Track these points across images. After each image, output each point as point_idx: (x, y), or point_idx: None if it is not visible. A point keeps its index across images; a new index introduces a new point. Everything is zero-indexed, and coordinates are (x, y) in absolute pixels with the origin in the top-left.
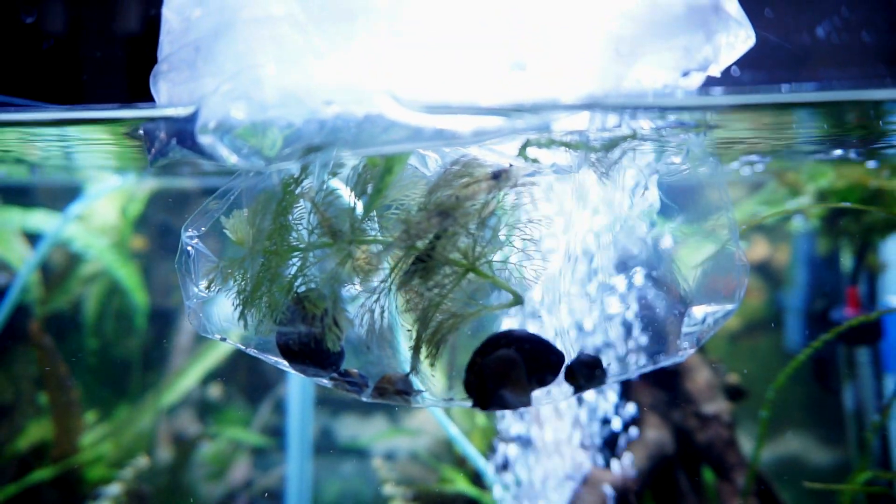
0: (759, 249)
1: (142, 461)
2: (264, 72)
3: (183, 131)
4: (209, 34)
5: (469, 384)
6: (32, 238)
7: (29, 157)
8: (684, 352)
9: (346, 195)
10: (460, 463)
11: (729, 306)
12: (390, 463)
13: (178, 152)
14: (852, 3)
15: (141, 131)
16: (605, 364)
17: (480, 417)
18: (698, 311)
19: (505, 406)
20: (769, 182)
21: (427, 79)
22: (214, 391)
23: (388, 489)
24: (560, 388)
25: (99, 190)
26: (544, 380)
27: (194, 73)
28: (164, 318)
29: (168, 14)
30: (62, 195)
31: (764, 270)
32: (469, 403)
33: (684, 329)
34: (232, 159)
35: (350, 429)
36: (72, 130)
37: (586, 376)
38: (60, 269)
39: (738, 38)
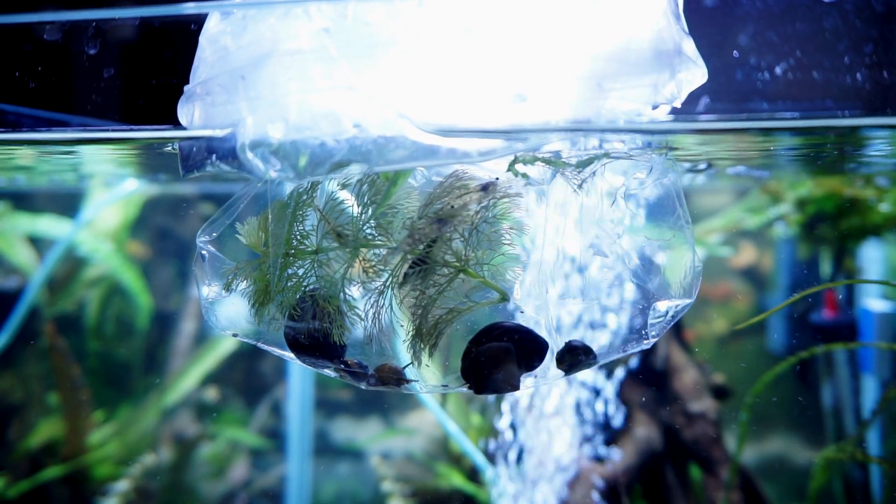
0: (747, 255)
1: (149, 459)
2: (298, 97)
3: (221, 148)
4: (249, 64)
5: (465, 371)
6: (36, 243)
7: (43, 167)
8: (650, 340)
9: (350, 205)
10: (456, 461)
11: (687, 301)
12: (387, 462)
13: (215, 167)
14: (805, 48)
15: (170, 147)
16: (588, 351)
17: (475, 416)
18: (662, 306)
19: (497, 390)
20: (752, 190)
21: (440, 106)
22: (213, 393)
23: (387, 486)
24: (550, 373)
25: (114, 194)
26: (532, 365)
27: (232, 97)
28: (165, 321)
29: (203, 42)
30: (65, 200)
31: (751, 275)
32: (463, 389)
33: (650, 321)
34: (270, 173)
35: (345, 431)
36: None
37: (573, 361)
38: (63, 272)
39: (696, 76)
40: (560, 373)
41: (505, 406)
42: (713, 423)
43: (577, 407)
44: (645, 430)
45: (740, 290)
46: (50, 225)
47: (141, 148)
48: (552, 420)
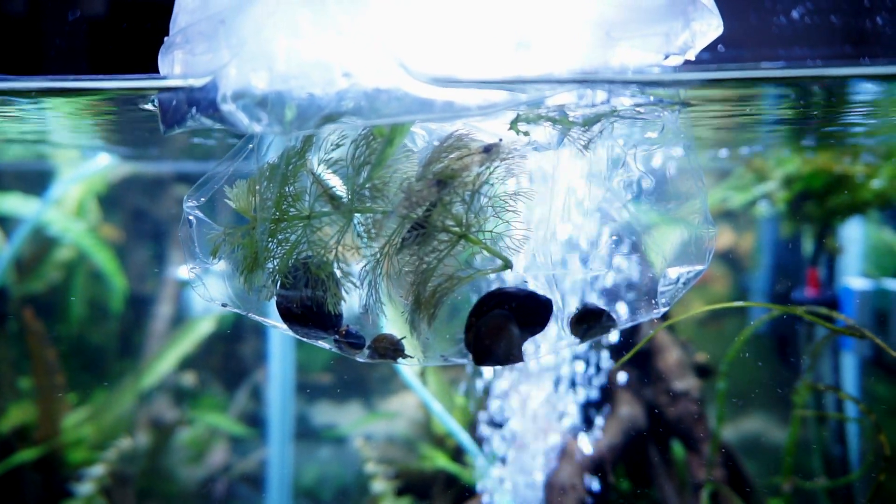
0: (724, 238)
1: (125, 443)
2: (284, 44)
3: (203, 100)
4: (230, 8)
5: (468, 343)
6: (3, 223)
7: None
8: (660, 309)
9: (345, 166)
10: (439, 442)
11: (699, 267)
12: (370, 443)
13: (196, 121)
14: None
15: (151, 104)
16: (606, 314)
17: (459, 396)
18: (672, 272)
19: (499, 362)
20: (737, 169)
21: (437, 55)
22: (191, 377)
23: (370, 468)
24: (561, 340)
25: (84, 170)
26: (535, 330)
27: (213, 45)
28: (140, 304)
29: None
30: (34, 178)
31: (728, 258)
32: (462, 361)
33: (660, 288)
34: (254, 127)
35: (326, 415)
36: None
37: (590, 325)
38: (33, 253)
39: (711, 26)
40: (571, 340)
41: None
42: (696, 402)
43: (562, 386)
44: (629, 409)
45: (718, 272)
46: (17, 203)
47: (113, 105)
48: (537, 399)
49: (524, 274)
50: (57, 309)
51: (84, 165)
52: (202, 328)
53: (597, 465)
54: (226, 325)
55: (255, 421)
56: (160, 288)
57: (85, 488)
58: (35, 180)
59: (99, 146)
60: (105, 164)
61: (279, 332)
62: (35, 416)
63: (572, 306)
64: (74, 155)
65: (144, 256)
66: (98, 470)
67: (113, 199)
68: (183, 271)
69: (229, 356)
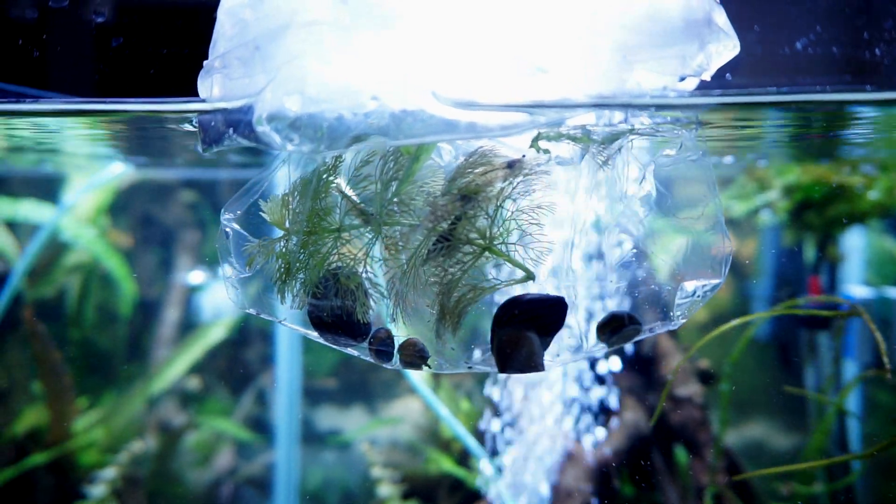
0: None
1: (136, 446)
2: (315, 69)
3: (240, 122)
4: (265, 36)
5: (492, 352)
6: (14, 228)
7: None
8: (677, 321)
9: (374, 182)
10: (445, 446)
11: (715, 280)
12: (375, 448)
13: (233, 141)
14: (825, 22)
15: (192, 123)
16: (628, 321)
17: (465, 401)
18: (689, 286)
19: (521, 370)
20: (739, 177)
21: (460, 79)
22: (196, 381)
23: (376, 472)
24: (585, 347)
25: (99, 178)
26: (553, 330)
27: (249, 70)
28: (148, 309)
29: (221, 16)
30: (43, 185)
31: (732, 265)
32: (487, 368)
33: (677, 301)
34: (287, 147)
35: (329, 419)
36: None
37: (615, 327)
38: (43, 258)
39: (727, 48)
40: (595, 348)
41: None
42: (699, 407)
43: (568, 392)
44: (633, 415)
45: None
46: (31, 210)
47: (149, 125)
48: (543, 405)
49: (546, 285)
50: (67, 313)
51: (99, 173)
52: (213, 334)
53: (601, 470)
54: (233, 330)
55: (260, 425)
56: (168, 293)
57: (97, 490)
58: (46, 187)
59: (115, 155)
60: (119, 172)
61: (286, 337)
62: (47, 419)
63: (594, 315)
64: (86, 162)
65: (152, 262)
66: (110, 472)
67: (121, 205)
68: (192, 276)
69: (234, 360)
